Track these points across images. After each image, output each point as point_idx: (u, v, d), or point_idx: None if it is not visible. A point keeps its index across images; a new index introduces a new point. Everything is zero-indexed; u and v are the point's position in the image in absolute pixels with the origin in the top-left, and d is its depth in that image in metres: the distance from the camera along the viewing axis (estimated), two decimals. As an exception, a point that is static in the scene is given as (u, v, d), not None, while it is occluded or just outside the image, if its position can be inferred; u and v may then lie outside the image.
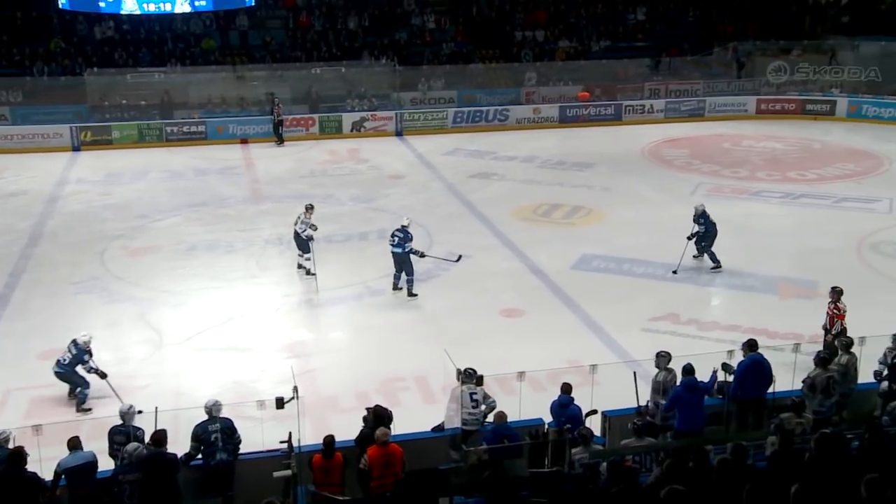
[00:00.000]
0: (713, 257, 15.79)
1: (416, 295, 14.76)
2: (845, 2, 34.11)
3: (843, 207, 19.61)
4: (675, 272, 15.63)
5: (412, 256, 14.82)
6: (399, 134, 27.72)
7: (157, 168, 22.67)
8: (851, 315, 13.06)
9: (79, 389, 11.50)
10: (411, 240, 14.78)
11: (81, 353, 11.48)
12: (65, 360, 11.46)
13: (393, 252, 14.80)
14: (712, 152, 24.70)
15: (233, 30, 30.93)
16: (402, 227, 14.84)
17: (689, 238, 15.81)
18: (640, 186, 21.45)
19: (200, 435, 8.92)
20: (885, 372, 9.98)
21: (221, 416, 9.11)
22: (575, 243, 17.28)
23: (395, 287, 14.96)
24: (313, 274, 15.41)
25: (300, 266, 15.78)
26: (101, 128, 26.80)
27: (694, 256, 16.08)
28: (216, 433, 8.93)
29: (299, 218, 15.60)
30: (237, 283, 15.69)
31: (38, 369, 12.20)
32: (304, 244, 15.59)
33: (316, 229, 15.60)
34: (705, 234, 15.85)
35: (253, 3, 24.90)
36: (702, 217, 15.86)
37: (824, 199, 20.18)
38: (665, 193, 20.81)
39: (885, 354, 10.05)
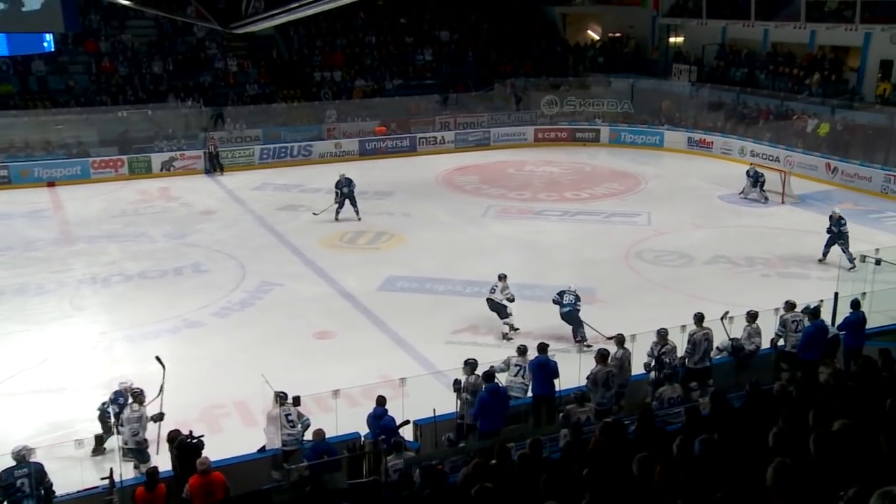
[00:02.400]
0: (850, 258, 16.33)
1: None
2: (599, 45, 36.60)
3: (611, 222, 20.84)
4: (821, 260, 17.05)
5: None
6: (208, 172, 26.83)
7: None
8: (623, 314, 13.91)
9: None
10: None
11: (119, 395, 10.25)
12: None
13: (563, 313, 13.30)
14: (499, 177, 25.60)
15: (32, 75, 28.82)
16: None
17: (829, 237, 16.91)
18: (437, 211, 21.86)
19: (5, 481, 8.17)
20: (653, 363, 10.65)
21: (32, 460, 8.39)
22: (380, 266, 17.34)
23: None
24: (516, 329, 13.95)
25: (505, 335, 13.83)
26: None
27: (819, 261, 17.08)
28: (23, 478, 8.20)
29: (497, 287, 13.97)
30: (50, 324, 14.58)
31: None
32: (501, 309, 14.00)
33: (512, 300, 14.03)
34: (839, 235, 16.85)
35: (52, 49, 23.35)
36: (837, 222, 16.90)
37: (596, 216, 21.36)
38: (459, 216, 21.32)
39: (651, 348, 10.72)
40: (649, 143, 29.96)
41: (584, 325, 13.23)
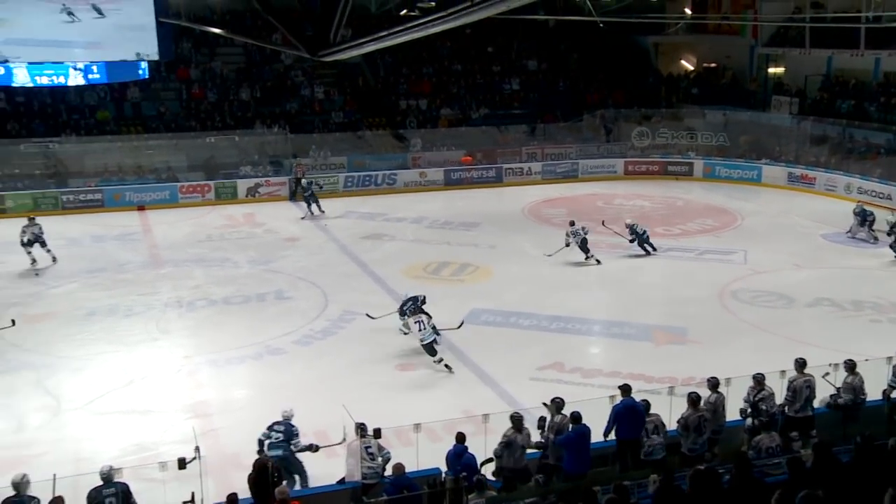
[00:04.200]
0: None
1: None
2: (693, 75, 36.21)
3: (705, 259, 20.49)
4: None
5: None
6: (292, 198, 27.55)
7: (53, 236, 21.72)
8: (716, 356, 13.63)
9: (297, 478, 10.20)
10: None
11: (290, 429, 10.31)
12: (277, 439, 10.15)
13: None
14: (587, 210, 25.50)
15: (126, 101, 30.24)
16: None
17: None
18: (524, 243, 21.90)
19: (95, 500, 8.52)
20: (749, 410, 10.39)
21: (118, 480, 8.74)
22: (464, 299, 17.44)
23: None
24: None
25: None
26: (-7, 196, 25.67)
27: None
28: (111, 497, 8.54)
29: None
30: (138, 346, 15.18)
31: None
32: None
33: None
34: None
35: (146, 76, 24.56)
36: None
37: (689, 252, 21.04)
38: (546, 250, 21.28)
39: (748, 393, 10.47)
40: (746, 177, 29.39)
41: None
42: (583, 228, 20.18)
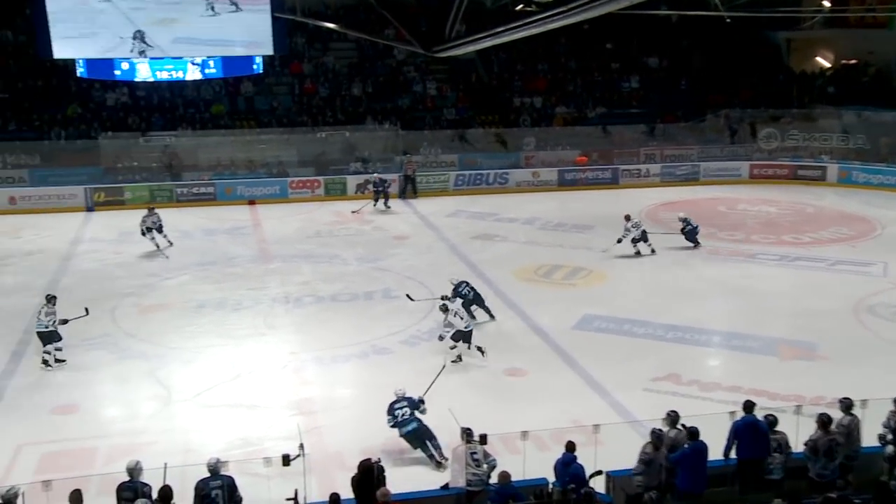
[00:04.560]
0: None
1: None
2: (830, 73, 34.66)
3: (838, 270, 19.58)
4: None
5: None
6: (402, 195, 27.88)
7: (167, 228, 22.71)
8: (850, 375, 12.99)
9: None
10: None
11: (411, 400, 11.42)
12: (405, 414, 11.26)
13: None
14: (708, 215, 24.79)
15: (241, 96, 31.28)
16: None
17: None
18: (640, 248, 21.43)
19: (202, 491, 8.82)
20: (889, 436, 9.82)
21: (224, 473, 9.01)
22: (576, 304, 17.23)
23: None
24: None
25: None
26: (114, 189, 26.97)
27: None
28: (217, 489, 8.82)
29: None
30: (245, 340, 15.62)
31: (51, 424, 12.22)
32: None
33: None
34: None
35: (260, 71, 25.29)
36: None
37: (819, 262, 20.16)
38: (663, 255, 20.81)
39: (888, 418, 9.89)
40: (887, 183, 27.94)
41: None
42: (639, 222, 20.84)
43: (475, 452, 9.61)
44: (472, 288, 16.25)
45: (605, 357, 14.58)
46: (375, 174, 27.08)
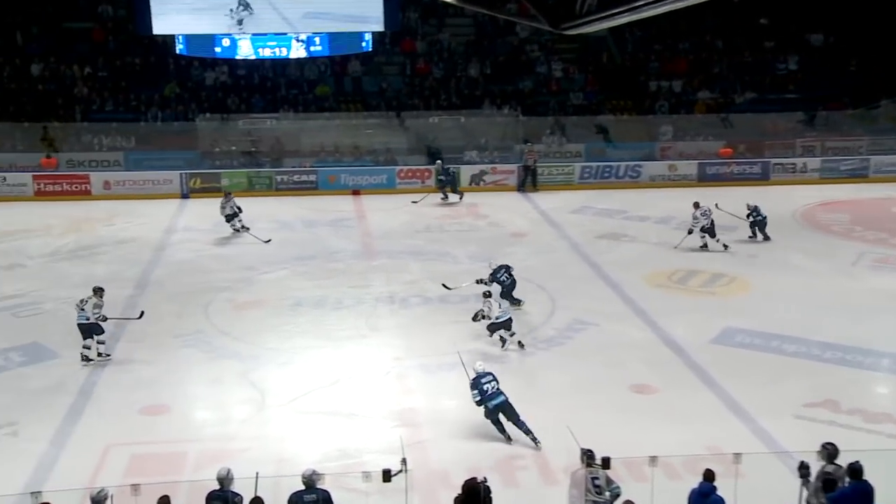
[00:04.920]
0: None
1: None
2: None
3: None
4: None
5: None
6: (521, 188, 27.86)
7: (265, 218, 23.39)
8: None
9: None
10: None
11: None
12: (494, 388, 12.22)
13: None
14: (879, 218, 23.80)
15: (347, 76, 31.89)
16: None
17: None
18: (792, 254, 20.84)
19: None
20: None
21: (320, 486, 9.19)
22: (715, 315, 16.85)
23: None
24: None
25: None
26: (210, 175, 27.95)
27: None
28: None
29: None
30: (346, 342, 15.92)
31: (140, 425, 12.77)
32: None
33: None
34: None
35: (370, 49, 25.69)
36: None
37: None
38: (821, 262, 20.13)
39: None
40: None
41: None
42: (709, 210, 20.98)
43: (597, 477, 9.54)
44: (512, 275, 17.10)
45: (749, 377, 14.19)
46: (438, 161, 27.20)
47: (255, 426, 12.86)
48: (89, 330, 14.87)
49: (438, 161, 27.29)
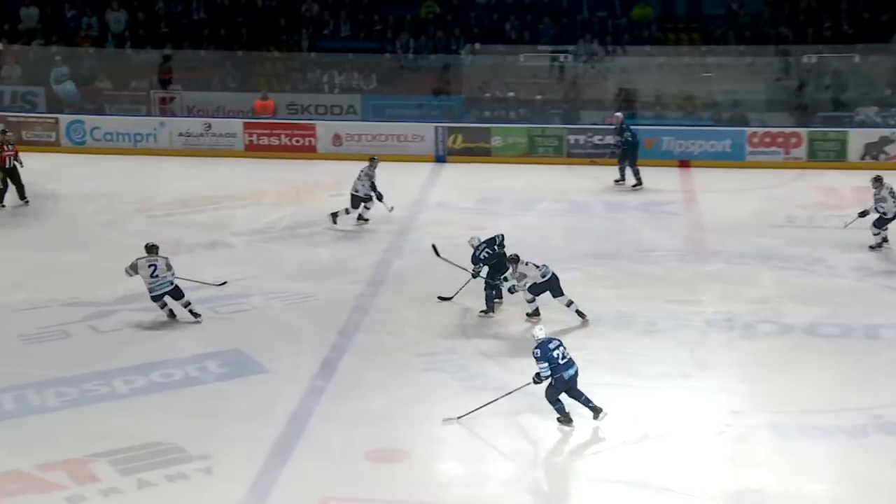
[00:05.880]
0: None
1: None
2: None
3: None
4: None
5: None
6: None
7: (551, 195, 23.48)
8: None
9: None
10: None
11: None
12: None
13: None
14: None
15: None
16: None
17: None
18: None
19: None
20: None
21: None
22: None
23: None
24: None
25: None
26: (476, 131, 28.54)
27: None
28: None
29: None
30: (660, 382, 15.66)
31: (366, 474, 13.06)
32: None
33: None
34: None
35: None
36: None
37: None
38: None
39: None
40: None
41: None
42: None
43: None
44: (496, 250, 18.49)
45: None
46: (617, 114, 26.33)
47: (523, 491, 12.83)
48: (177, 293, 17.39)
49: (618, 113, 26.54)
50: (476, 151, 27.95)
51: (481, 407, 14.14)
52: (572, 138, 28.15)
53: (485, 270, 18.23)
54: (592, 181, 26.00)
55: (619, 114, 26.53)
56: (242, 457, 13.37)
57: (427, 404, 15.02)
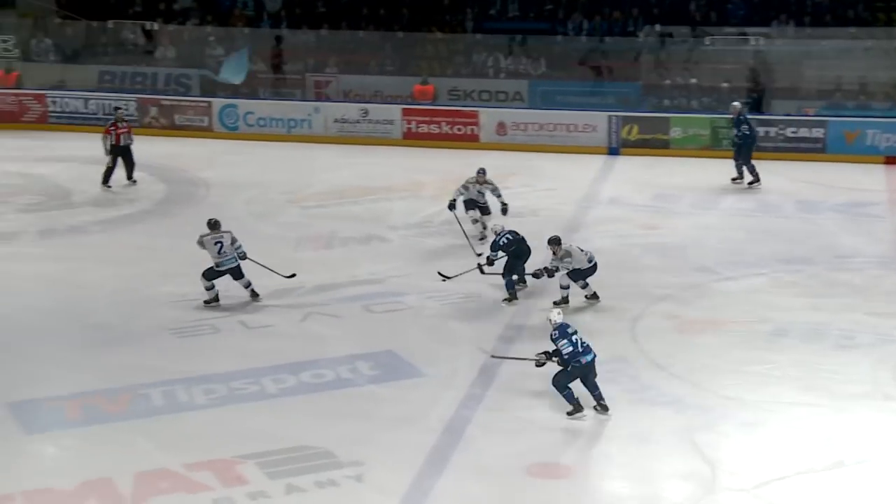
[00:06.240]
0: None
1: None
2: None
3: None
4: None
5: None
6: None
7: (736, 192, 23.14)
8: None
9: None
10: None
11: None
12: None
13: None
14: None
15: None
16: None
17: None
18: None
19: None
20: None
21: None
22: None
23: None
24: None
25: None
26: (654, 121, 28.47)
27: None
28: None
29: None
30: (856, 403, 15.30)
31: (530, 490, 13.10)
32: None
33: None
34: None
35: None
36: None
37: None
38: None
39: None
40: None
41: None
42: None
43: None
44: (514, 238, 19.19)
45: None
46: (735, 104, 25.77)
47: (700, 520, 12.73)
48: (238, 272, 18.71)
49: (735, 103, 25.86)
50: (653, 143, 27.82)
51: (518, 359, 15.98)
52: (761, 131, 27.61)
53: (500, 263, 18.99)
54: (782, 178, 25.59)
55: (736, 104, 26.09)
56: (395, 465, 13.52)
57: (593, 418, 14.94)
